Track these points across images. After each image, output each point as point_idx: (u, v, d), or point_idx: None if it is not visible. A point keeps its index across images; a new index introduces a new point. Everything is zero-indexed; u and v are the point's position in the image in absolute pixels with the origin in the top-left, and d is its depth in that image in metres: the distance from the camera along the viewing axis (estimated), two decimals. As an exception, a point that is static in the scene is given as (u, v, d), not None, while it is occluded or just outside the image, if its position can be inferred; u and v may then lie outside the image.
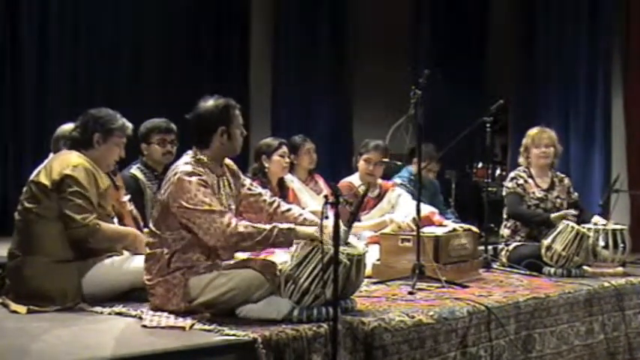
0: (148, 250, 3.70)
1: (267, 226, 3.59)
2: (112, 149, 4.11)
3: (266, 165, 5.39)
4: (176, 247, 3.62)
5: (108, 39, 7.55)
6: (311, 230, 3.60)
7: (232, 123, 3.76)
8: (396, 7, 9.48)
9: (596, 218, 5.57)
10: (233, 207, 3.82)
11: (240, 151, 3.88)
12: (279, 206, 3.94)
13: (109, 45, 7.54)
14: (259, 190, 4.02)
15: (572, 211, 5.46)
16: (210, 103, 3.76)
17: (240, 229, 3.53)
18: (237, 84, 8.50)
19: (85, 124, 4.08)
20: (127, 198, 4.40)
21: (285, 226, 3.62)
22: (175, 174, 3.61)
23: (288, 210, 3.94)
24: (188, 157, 3.74)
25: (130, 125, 4.23)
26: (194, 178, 3.57)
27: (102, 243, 3.91)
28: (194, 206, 3.52)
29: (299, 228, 3.63)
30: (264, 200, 3.94)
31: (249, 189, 3.96)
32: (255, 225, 3.60)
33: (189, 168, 3.62)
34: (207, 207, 3.53)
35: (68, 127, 4.53)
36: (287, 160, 5.48)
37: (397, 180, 6.11)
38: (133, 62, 7.72)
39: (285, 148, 5.48)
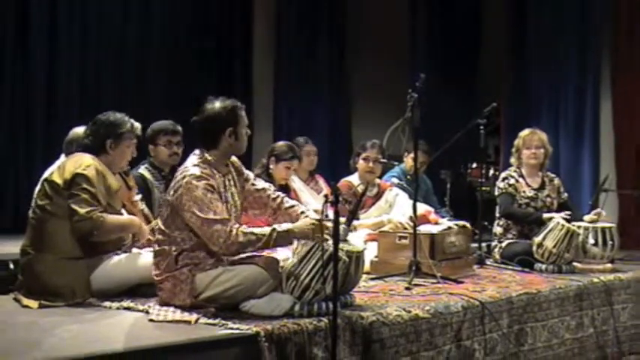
0: (157, 247, 3.70)
1: (267, 230, 3.58)
2: (124, 152, 4.11)
3: (271, 167, 5.37)
4: (184, 246, 3.61)
5: (115, 43, 7.55)
6: (307, 226, 3.60)
7: (239, 123, 3.74)
8: (394, 12, 9.48)
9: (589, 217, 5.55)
10: (239, 203, 3.80)
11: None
12: (282, 202, 3.91)
13: (116, 48, 7.54)
14: (263, 184, 3.98)
15: (565, 215, 5.44)
16: (217, 105, 3.72)
17: (241, 238, 3.52)
18: (241, 86, 8.53)
19: (96, 131, 4.06)
20: (138, 197, 4.40)
21: (283, 227, 3.62)
22: (184, 177, 3.59)
23: (292, 207, 3.91)
24: (195, 157, 3.71)
25: (138, 125, 4.23)
26: (202, 183, 3.55)
27: (107, 235, 3.89)
28: (199, 212, 3.51)
29: (297, 228, 3.63)
30: (268, 195, 3.92)
31: (253, 184, 3.93)
32: (255, 232, 3.58)
33: (197, 171, 3.60)
34: (211, 215, 3.51)
35: (81, 130, 4.52)
36: (291, 171, 5.43)
37: (394, 180, 6.10)
38: (139, 66, 7.71)
39: (294, 162, 5.40)
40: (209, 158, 3.70)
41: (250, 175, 3.98)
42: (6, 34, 6.90)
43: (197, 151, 3.75)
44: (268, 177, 5.35)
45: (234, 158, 3.89)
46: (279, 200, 3.92)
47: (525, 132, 5.77)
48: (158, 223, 3.78)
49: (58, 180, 3.87)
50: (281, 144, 5.48)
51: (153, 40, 7.88)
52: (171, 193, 3.65)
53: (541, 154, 5.70)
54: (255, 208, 3.94)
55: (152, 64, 7.82)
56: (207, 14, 8.35)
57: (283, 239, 3.59)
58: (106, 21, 7.50)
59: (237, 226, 3.57)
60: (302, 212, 3.87)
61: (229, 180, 3.79)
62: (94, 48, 7.39)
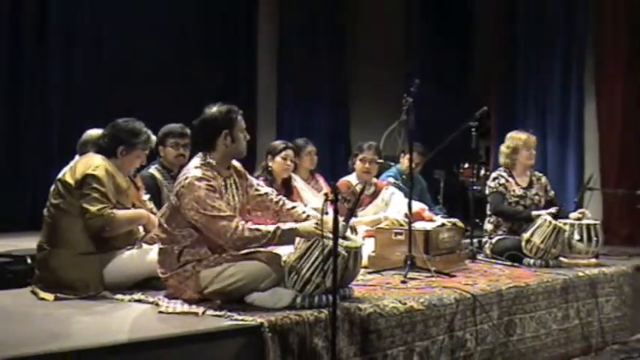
0: (161, 245, 3.70)
1: (272, 228, 3.58)
2: (133, 161, 4.12)
3: (270, 164, 5.41)
4: (185, 243, 3.60)
5: (125, 48, 7.53)
6: (311, 228, 3.58)
7: (235, 127, 3.73)
8: (392, 16, 9.48)
9: (575, 214, 5.55)
10: (239, 205, 3.79)
11: (246, 153, 3.86)
12: (283, 204, 3.93)
13: (127, 53, 7.53)
14: (266, 189, 3.99)
15: (553, 210, 5.45)
16: (214, 109, 3.73)
17: (247, 233, 3.51)
18: (245, 88, 8.54)
19: (113, 135, 4.06)
20: (146, 197, 4.40)
21: (287, 226, 3.61)
22: (186, 178, 3.58)
23: (293, 208, 3.92)
24: (198, 159, 3.71)
25: (154, 138, 4.24)
26: (203, 183, 3.54)
27: (118, 229, 3.90)
28: (204, 211, 3.50)
29: (301, 227, 3.61)
30: (271, 199, 3.93)
31: (257, 190, 3.93)
32: (260, 228, 3.57)
33: (198, 173, 3.59)
34: (216, 212, 3.51)
35: (94, 132, 4.52)
36: (289, 162, 5.46)
37: (390, 179, 6.10)
38: (147, 70, 7.68)
39: (289, 152, 5.46)
40: (210, 161, 3.69)
41: (254, 181, 3.99)
42: (25, 37, 6.91)
43: (200, 154, 3.74)
44: (270, 174, 5.38)
45: (237, 165, 3.89)
46: (280, 203, 3.93)
47: (523, 135, 5.71)
48: (161, 221, 3.77)
49: (70, 180, 3.88)
50: (272, 142, 5.64)
51: (160, 43, 7.86)
52: (174, 193, 3.64)
53: (534, 155, 5.72)
54: (257, 210, 3.94)
55: (159, 67, 7.79)
56: (211, 18, 8.34)
57: (287, 237, 3.58)
58: (118, 26, 7.48)
59: (242, 222, 3.57)
60: (303, 212, 3.88)
61: (231, 183, 3.77)
62: (108, 56, 7.39)
